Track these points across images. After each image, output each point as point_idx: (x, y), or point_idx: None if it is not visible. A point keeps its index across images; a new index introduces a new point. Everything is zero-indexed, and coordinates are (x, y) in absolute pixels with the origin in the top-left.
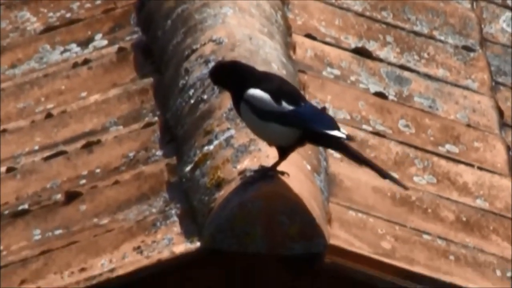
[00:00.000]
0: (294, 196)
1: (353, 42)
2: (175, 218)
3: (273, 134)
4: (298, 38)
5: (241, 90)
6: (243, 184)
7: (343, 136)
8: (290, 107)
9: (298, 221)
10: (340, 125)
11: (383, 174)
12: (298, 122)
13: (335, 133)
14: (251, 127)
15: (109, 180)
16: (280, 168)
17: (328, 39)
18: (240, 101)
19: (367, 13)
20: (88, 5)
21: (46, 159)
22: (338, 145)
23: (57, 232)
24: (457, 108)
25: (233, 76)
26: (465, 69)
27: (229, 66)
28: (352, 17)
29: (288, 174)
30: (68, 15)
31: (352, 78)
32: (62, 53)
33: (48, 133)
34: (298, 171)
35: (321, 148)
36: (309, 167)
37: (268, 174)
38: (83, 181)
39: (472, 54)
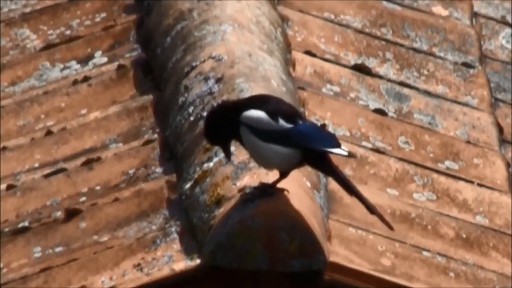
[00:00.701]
0: (294, 213)
1: (352, 59)
2: (175, 235)
3: (275, 157)
4: (298, 55)
5: (235, 118)
6: (243, 201)
7: (345, 153)
8: (288, 125)
9: (298, 238)
10: (341, 142)
11: (371, 210)
12: (297, 140)
13: (336, 151)
14: (252, 150)
15: (109, 197)
16: (280, 185)
17: (327, 56)
18: (237, 128)
19: (367, 30)
20: (87, 22)
21: (46, 176)
22: (333, 172)
23: (57, 249)
24: (457, 124)
25: (225, 114)
26: (465, 86)
27: (216, 109)
28: (351, 33)
29: (288, 191)
30: (67, 32)
31: (352, 94)
32: (62, 70)
33: (48, 150)
34: (298, 188)
35: None
36: (309, 184)
37: (268, 191)
38: (83, 198)
39: (471, 71)
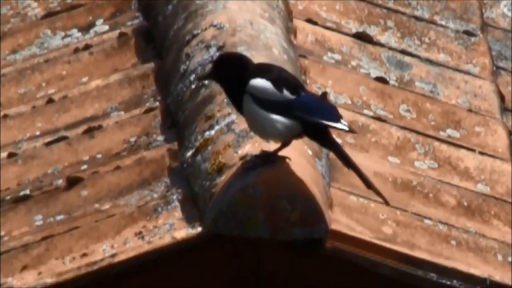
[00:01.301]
0: (295, 181)
1: (354, 27)
2: (177, 204)
3: (274, 126)
4: (299, 23)
5: (242, 83)
6: (244, 169)
7: (346, 128)
8: (292, 96)
9: (300, 207)
10: (341, 114)
11: (368, 185)
12: (299, 112)
13: (337, 125)
14: (252, 119)
15: (110, 166)
16: (281, 153)
17: (329, 24)
18: (240, 93)
19: None
20: None
21: (47, 144)
22: (332, 145)
23: (59, 217)
24: (458, 93)
25: (235, 68)
26: (466, 54)
27: (233, 58)
28: (352, 2)
29: (289, 159)
30: (69, 0)
31: (353, 63)
32: (63, 38)
33: (49, 118)
34: (299, 156)
35: None
36: (310, 152)
37: (269, 159)
38: (84, 167)
39: (473, 39)
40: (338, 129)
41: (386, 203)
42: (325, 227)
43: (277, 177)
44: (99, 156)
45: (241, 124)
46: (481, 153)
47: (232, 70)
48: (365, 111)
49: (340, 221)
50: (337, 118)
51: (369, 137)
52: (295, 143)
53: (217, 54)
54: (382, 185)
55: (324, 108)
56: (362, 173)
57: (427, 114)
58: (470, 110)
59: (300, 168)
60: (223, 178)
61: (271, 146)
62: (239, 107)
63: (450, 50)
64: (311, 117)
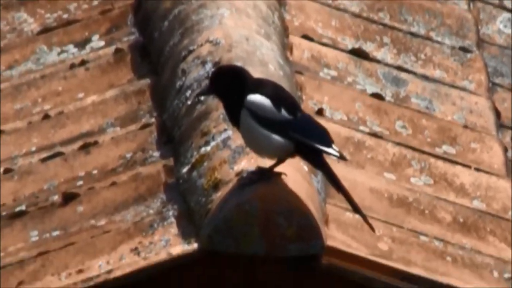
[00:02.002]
0: (291, 197)
1: (350, 43)
2: (172, 220)
3: (270, 143)
4: (295, 39)
5: (240, 97)
6: (240, 185)
7: (336, 154)
8: (289, 117)
9: (296, 223)
10: (332, 139)
11: (356, 209)
12: (294, 133)
13: (329, 150)
14: (247, 135)
15: (106, 182)
16: (277, 169)
17: (325, 40)
18: (238, 107)
19: (364, 14)
20: (85, 6)
21: (43, 160)
22: (323, 168)
23: (55, 233)
24: (454, 109)
25: (233, 81)
26: (462, 70)
27: (231, 71)
28: (349, 18)
29: (286, 175)
30: (65, 16)
31: (349, 79)
32: (59, 54)
33: (45, 134)
34: (295, 172)
35: None
36: (306, 168)
37: (265, 175)
38: (80, 182)
39: (469, 55)
40: (329, 154)
41: (372, 230)
42: (321, 243)
43: (273, 193)
44: (95, 172)
45: (237, 140)
46: (477, 169)
47: (231, 84)
48: (361, 127)
49: (335, 237)
50: (329, 142)
51: (365, 153)
52: (291, 159)
53: (213, 70)
54: (378, 202)
55: (318, 131)
56: (351, 197)
57: (423, 130)
58: (466, 127)
59: (296, 184)
60: (219, 194)
61: (267, 162)
62: (236, 121)
63: (446, 66)
64: (305, 139)
